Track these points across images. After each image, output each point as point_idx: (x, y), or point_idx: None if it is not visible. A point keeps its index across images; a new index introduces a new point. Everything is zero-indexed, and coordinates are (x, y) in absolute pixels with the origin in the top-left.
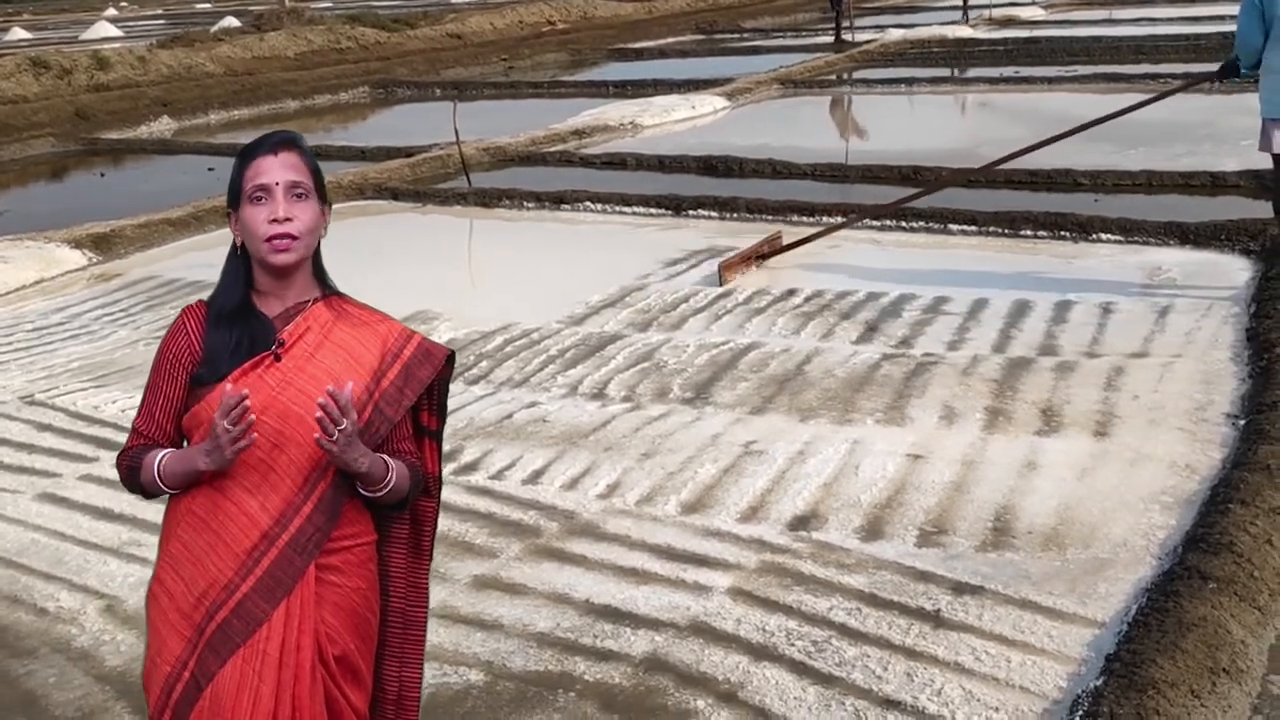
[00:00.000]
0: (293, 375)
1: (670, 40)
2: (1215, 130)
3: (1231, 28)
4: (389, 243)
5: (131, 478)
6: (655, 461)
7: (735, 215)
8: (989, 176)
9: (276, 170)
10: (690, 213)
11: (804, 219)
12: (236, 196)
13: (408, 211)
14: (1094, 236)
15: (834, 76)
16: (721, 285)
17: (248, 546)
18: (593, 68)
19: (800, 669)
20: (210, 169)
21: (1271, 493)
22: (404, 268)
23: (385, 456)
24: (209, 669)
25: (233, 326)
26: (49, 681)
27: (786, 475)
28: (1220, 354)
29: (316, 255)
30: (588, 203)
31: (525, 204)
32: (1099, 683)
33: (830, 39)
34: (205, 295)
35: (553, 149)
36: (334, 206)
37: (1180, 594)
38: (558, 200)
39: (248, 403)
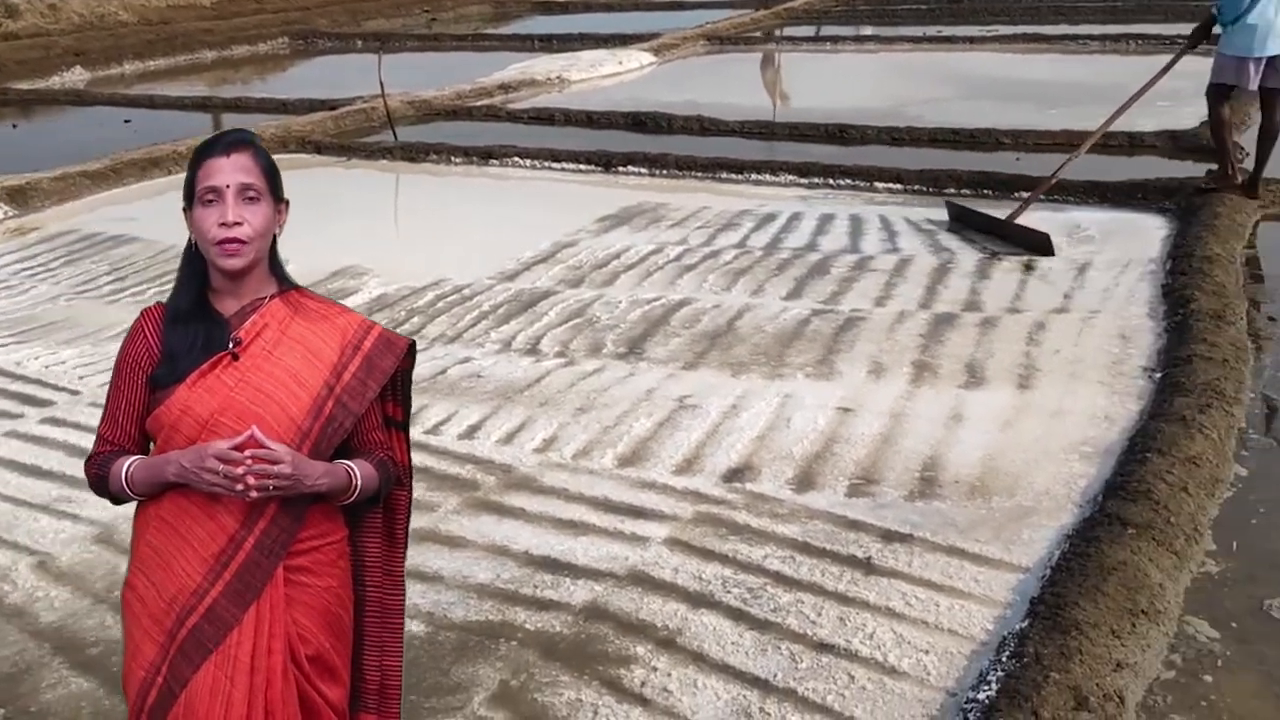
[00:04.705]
0: (250, 374)
1: None
2: (1131, 91)
3: None
4: (314, 198)
5: (100, 485)
6: (591, 416)
7: (665, 172)
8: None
9: (228, 172)
10: (620, 169)
11: (734, 176)
12: (190, 196)
13: (333, 165)
14: (1016, 195)
15: (760, 33)
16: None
17: (215, 551)
18: (517, 20)
19: (737, 615)
20: (127, 120)
21: (1187, 442)
22: (331, 223)
23: (346, 464)
24: (182, 675)
25: (189, 326)
26: None
27: (720, 429)
28: (1137, 310)
29: (273, 251)
30: (516, 158)
31: (453, 159)
32: (1024, 625)
33: None
34: (127, 251)
35: (479, 103)
36: None
37: (1101, 540)
38: (486, 155)
39: (248, 469)
